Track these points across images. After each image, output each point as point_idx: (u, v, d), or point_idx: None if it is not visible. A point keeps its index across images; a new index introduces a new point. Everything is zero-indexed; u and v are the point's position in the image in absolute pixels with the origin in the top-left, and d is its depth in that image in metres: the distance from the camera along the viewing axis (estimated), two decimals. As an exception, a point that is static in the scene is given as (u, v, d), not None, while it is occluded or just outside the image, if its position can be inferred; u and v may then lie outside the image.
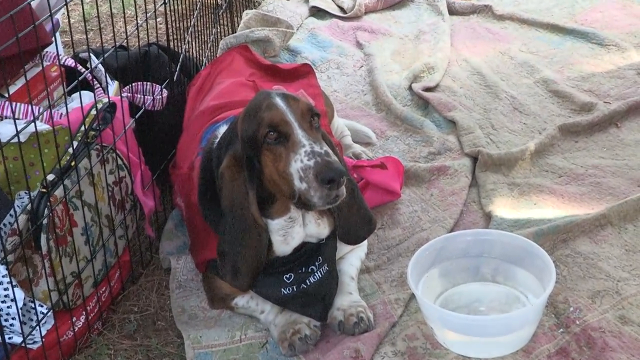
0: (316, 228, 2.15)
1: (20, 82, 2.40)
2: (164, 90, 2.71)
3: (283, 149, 1.98)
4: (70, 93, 2.43)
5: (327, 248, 2.22)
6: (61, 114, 2.36)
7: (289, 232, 2.11)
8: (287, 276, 2.16)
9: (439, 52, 3.80)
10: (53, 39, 2.41)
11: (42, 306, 2.08)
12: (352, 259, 2.38)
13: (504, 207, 2.68)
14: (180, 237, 2.67)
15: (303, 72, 2.94)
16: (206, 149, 2.27)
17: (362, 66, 3.84)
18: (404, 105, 3.44)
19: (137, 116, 2.51)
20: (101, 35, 2.28)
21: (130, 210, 2.48)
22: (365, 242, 2.43)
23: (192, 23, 3.23)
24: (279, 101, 2.02)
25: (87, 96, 2.46)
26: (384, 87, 3.53)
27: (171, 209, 2.81)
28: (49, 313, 2.10)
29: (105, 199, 2.32)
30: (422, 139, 3.17)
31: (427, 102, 3.42)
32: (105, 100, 2.28)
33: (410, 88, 3.54)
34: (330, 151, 1.95)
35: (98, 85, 2.59)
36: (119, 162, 2.39)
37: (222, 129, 2.28)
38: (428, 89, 3.50)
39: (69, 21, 2.08)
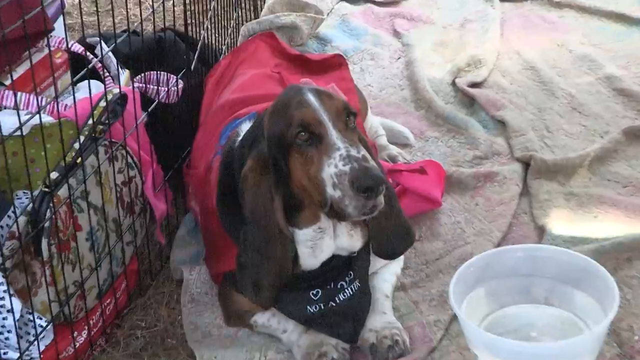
0: (348, 240, 2.16)
1: (21, 69, 2.43)
2: (180, 81, 2.73)
3: (315, 151, 1.98)
4: (76, 82, 2.46)
5: (359, 262, 2.22)
6: (66, 105, 2.38)
7: (318, 243, 2.12)
8: (314, 292, 2.17)
9: (487, 43, 3.79)
10: (57, 22, 2.44)
11: (40, 319, 2.10)
12: (386, 274, 2.38)
13: (559, 220, 2.67)
14: (194, 245, 2.69)
15: (335, 64, 2.96)
16: (226, 148, 2.28)
17: (399, 58, 3.84)
18: (446, 103, 3.43)
19: (150, 109, 2.53)
20: (113, 18, 2.30)
21: (139, 214, 2.50)
22: (401, 257, 2.43)
23: (211, 6, 3.25)
24: (311, 98, 2.02)
25: (94, 86, 2.48)
26: (424, 81, 3.53)
27: (184, 213, 2.83)
28: (49, 327, 2.12)
29: (113, 200, 2.34)
30: (466, 141, 3.17)
31: (472, 100, 3.41)
32: (116, 90, 2.30)
33: (453, 83, 3.54)
34: (368, 156, 1.95)
35: (107, 74, 2.62)
36: (129, 160, 2.41)
37: (245, 126, 2.30)
38: (474, 85, 3.49)
39: (79, 1, 2.11)
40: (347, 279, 2.19)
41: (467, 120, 3.25)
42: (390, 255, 2.27)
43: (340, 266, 2.18)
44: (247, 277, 2.11)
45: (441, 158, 3.08)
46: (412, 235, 2.27)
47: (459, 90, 3.49)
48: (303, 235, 2.11)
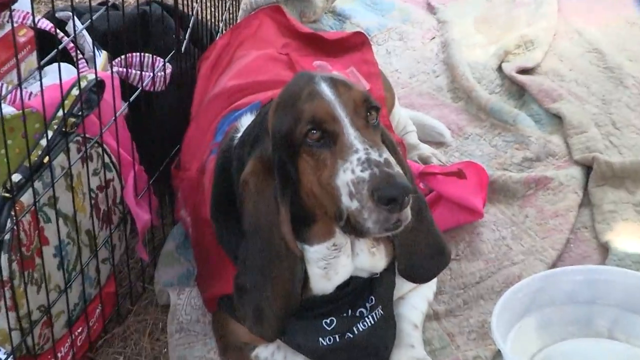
0: (369, 260, 2.17)
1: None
2: (168, 64, 2.75)
3: (328, 153, 1.99)
4: (43, 66, 2.48)
5: (383, 285, 2.23)
6: (31, 93, 2.40)
7: (332, 263, 2.13)
8: (327, 321, 2.18)
9: (541, 20, 3.80)
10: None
11: (-1, 350, 2.13)
12: (415, 300, 2.39)
13: (627, 236, 2.67)
14: (184, 262, 2.71)
15: (355, 44, 2.97)
16: (223, 146, 2.30)
17: (434, 37, 3.86)
18: (490, 93, 3.44)
19: (131, 99, 2.55)
20: (88, -10, 2.33)
21: (118, 225, 2.52)
22: (435, 279, 2.43)
23: (206, -25, 3.27)
24: (325, 88, 2.03)
25: (65, 70, 2.49)
26: (464, 66, 3.54)
27: (172, 225, 2.85)
28: None
29: (86, 208, 2.36)
30: (514, 139, 3.18)
31: (522, 89, 3.42)
32: (92, 76, 2.32)
33: (500, 69, 3.55)
34: (392, 160, 1.95)
35: (81, 55, 2.64)
36: (106, 159, 2.43)
37: (246, 120, 2.31)
38: (525, 71, 3.50)
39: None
40: (367, 305, 2.19)
41: (516, 114, 3.26)
42: (420, 278, 2.28)
43: (360, 289, 2.19)
44: (247, 303, 2.12)
45: (483, 159, 3.10)
46: (447, 253, 2.27)
47: (506, 77, 3.50)
48: (315, 253, 2.12)
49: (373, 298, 2.20)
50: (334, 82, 2.05)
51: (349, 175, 1.93)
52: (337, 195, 1.96)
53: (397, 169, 1.93)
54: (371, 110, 2.04)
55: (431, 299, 2.46)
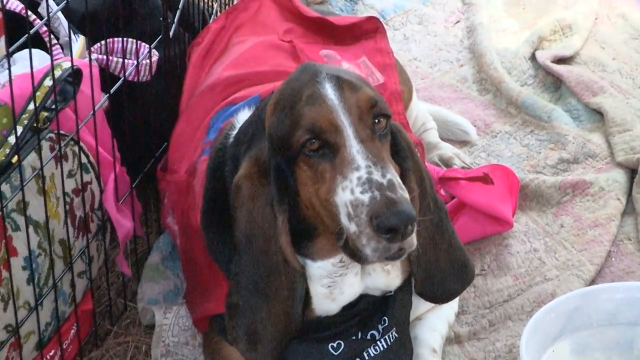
0: (384, 279, 2.18)
1: None
2: (154, 51, 2.76)
3: (328, 166, 2.00)
4: (12, 52, 2.49)
5: (397, 304, 2.24)
6: (-3, 83, 2.43)
7: (338, 282, 2.14)
8: (334, 345, 2.19)
9: (580, 3, 3.81)
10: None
11: (-40, 375, 2.14)
12: (434, 321, 2.41)
13: (676, 250, 2.68)
14: (170, 277, 2.73)
15: (367, 31, 2.98)
16: (217, 145, 2.31)
17: (458, 21, 3.88)
18: (522, 85, 3.46)
19: (112, 91, 2.57)
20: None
21: (96, 234, 2.53)
22: (456, 297, 2.44)
23: (198, -51, 3.29)
24: (329, 90, 2.03)
25: (38, 57, 2.51)
26: (492, 55, 3.56)
27: (157, 234, 2.87)
28: (-29, 386, 2.16)
29: (60, 215, 2.37)
30: (549, 138, 3.19)
31: (559, 81, 3.44)
32: (67, 64, 2.32)
33: (533, 57, 3.57)
34: (396, 181, 1.95)
35: (55, 41, 2.65)
36: (83, 159, 2.44)
37: (243, 115, 2.32)
38: (561, 60, 3.52)
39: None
40: (380, 326, 2.20)
41: (551, 110, 3.28)
42: (440, 298, 2.28)
43: (371, 309, 2.20)
44: (240, 324, 2.13)
45: (513, 161, 3.12)
46: (471, 269, 2.28)
47: (541, 67, 3.51)
48: (318, 270, 2.13)
49: (386, 319, 2.21)
50: (340, 83, 2.04)
51: (348, 195, 1.94)
52: (335, 214, 1.98)
53: (402, 192, 1.93)
54: (380, 118, 2.04)
55: (452, 320, 2.47)
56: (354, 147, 1.97)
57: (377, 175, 1.93)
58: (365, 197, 1.92)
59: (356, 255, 1.97)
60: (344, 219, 1.96)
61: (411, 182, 2.11)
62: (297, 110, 2.02)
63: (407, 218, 1.89)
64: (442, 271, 2.21)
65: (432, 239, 2.17)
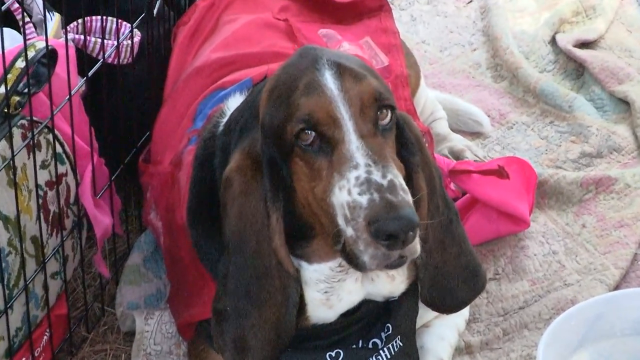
0: (388, 285, 2.19)
1: None
2: (136, 31, 2.77)
3: (325, 162, 2.00)
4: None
5: (402, 310, 2.25)
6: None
7: (336, 287, 2.15)
8: (333, 354, 2.20)
9: (604, -19, 3.83)
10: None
11: None
12: (443, 329, 2.43)
13: None
14: (152, 280, 2.75)
15: (371, 9, 2.99)
16: (205, 134, 2.32)
17: (471, 1, 3.89)
18: (541, 71, 3.48)
19: (90, 74, 2.57)
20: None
21: (71, 231, 2.54)
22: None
23: None
24: (328, 79, 2.03)
25: (8, 37, 2.51)
26: (509, 38, 3.57)
27: (139, 232, 2.89)
28: None
29: (32, 209, 2.38)
30: (570, 130, 3.21)
31: (581, 67, 3.46)
32: (41, 44, 2.33)
33: (553, 41, 3.58)
34: (398, 182, 1.94)
35: (28, 19, 2.65)
36: (58, 149, 2.45)
37: (234, 101, 2.33)
38: (584, 45, 3.54)
39: None
40: (383, 334, 2.22)
41: (573, 99, 3.29)
42: (448, 307, 2.27)
43: (374, 316, 2.22)
44: (228, 331, 2.13)
45: (531, 155, 3.13)
46: (482, 276, 2.27)
47: (561, 52, 3.53)
48: (314, 273, 2.14)
49: (390, 326, 2.22)
50: (342, 71, 2.04)
51: (345, 196, 1.95)
52: (332, 215, 1.99)
53: (403, 195, 1.92)
54: (383, 110, 2.04)
55: (462, 328, 2.49)
56: (353, 143, 1.97)
57: (377, 176, 1.93)
58: (364, 200, 1.92)
59: (353, 261, 1.97)
60: (341, 222, 1.97)
61: (419, 179, 2.11)
62: (293, 99, 2.03)
63: (407, 224, 1.89)
64: (451, 278, 2.21)
65: (441, 242, 2.18)
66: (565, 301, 2.57)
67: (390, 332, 2.23)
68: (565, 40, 3.53)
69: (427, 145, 2.27)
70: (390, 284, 2.19)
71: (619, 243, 2.76)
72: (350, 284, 2.15)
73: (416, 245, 1.95)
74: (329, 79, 2.02)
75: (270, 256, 2.08)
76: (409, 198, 1.93)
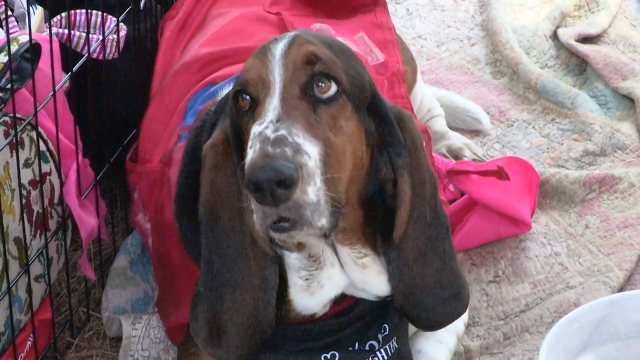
0: (360, 274, 2.17)
1: None
2: (122, 25, 2.78)
3: (251, 123, 1.99)
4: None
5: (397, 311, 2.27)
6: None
7: (315, 275, 2.15)
8: (328, 356, 2.20)
9: (607, -26, 3.85)
10: None
11: None
12: (441, 333, 2.43)
13: None
14: (140, 283, 2.77)
15: (365, 3, 3.01)
16: (195, 131, 2.33)
17: (469, -6, 3.91)
18: (542, 67, 3.50)
19: (74, 69, 2.59)
20: None
21: (56, 232, 2.55)
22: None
23: None
24: (278, 45, 2.04)
25: (-10, 31, 2.54)
26: (509, 33, 3.60)
27: (126, 233, 2.90)
28: None
29: (15, 209, 2.39)
30: (572, 127, 3.23)
31: (584, 62, 3.48)
32: (24, 38, 2.34)
33: (555, 36, 3.61)
34: (292, 139, 1.88)
35: (10, 12, 2.65)
36: (42, 147, 2.46)
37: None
38: (587, 39, 3.56)
39: None
40: (379, 335, 2.23)
41: (575, 95, 3.32)
42: (422, 322, 2.23)
43: (370, 316, 2.22)
44: (201, 314, 2.14)
45: (532, 153, 3.16)
46: (463, 301, 2.24)
47: (563, 47, 3.56)
48: (296, 260, 2.14)
49: (387, 327, 2.24)
50: (294, 40, 2.05)
51: (249, 154, 1.93)
52: None
53: (284, 149, 1.87)
54: (324, 79, 2.01)
55: (462, 332, 2.50)
56: (271, 104, 1.95)
57: (269, 130, 1.90)
58: (250, 153, 1.90)
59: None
60: None
61: (403, 182, 2.09)
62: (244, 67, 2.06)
63: (274, 174, 1.83)
64: (429, 294, 2.18)
65: (422, 254, 2.15)
66: (567, 304, 2.59)
67: (387, 332, 2.24)
68: (567, 35, 3.56)
69: (425, 145, 2.24)
70: (362, 273, 2.16)
71: (623, 244, 2.78)
72: (329, 271, 2.14)
73: (302, 210, 1.88)
74: (278, 46, 2.04)
75: (244, 234, 2.09)
76: (290, 153, 1.86)
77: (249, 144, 1.91)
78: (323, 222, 1.91)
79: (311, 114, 1.97)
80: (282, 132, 1.89)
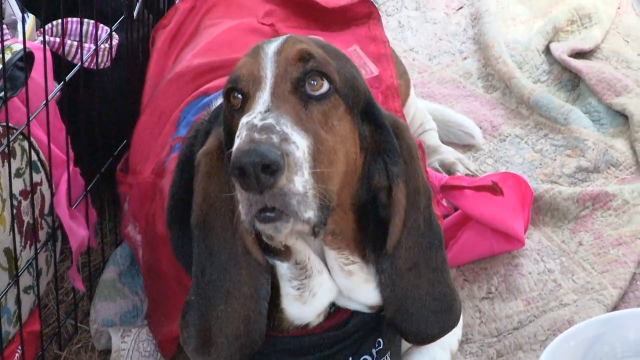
0: (346, 281, 2.17)
1: None
2: (115, 34, 2.79)
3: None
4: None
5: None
6: None
7: (306, 284, 2.15)
8: (321, 371, 2.23)
9: (600, -12, 3.87)
10: None
11: None
12: (434, 349, 2.44)
13: None
14: (128, 295, 2.77)
15: (359, 15, 3.03)
16: (189, 140, 2.34)
17: (461, 7, 3.93)
18: (535, 81, 3.52)
19: (67, 78, 2.59)
20: None
21: (45, 243, 2.56)
22: (460, 322, 2.47)
23: None
24: (272, 44, 2.06)
25: (-19, 39, 2.54)
26: (501, 46, 3.61)
27: (114, 245, 2.91)
28: None
29: (5, 220, 2.39)
30: (565, 143, 3.25)
31: (577, 77, 3.49)
32: (18, 47, 2.35)
33: (548, 51, 3.63)
34: (278, 127, 1.88)
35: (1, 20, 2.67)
36: (33, 157, 2.47)
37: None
38: (580, 54, 3.58)
39: None
40: (374, 350, 2.24)
41: (569, 111, 3.33)
42: (412, 335, 2.23)
43: (365, 330, 2.23)
44: (192, 322, 2.14)
45: (525, 169, 3.17)
46: (455, 315, 2.24)
47: (556, 61, 3.58)
48: (287, 270, 2.15)
49: (381, 341, 2.25)
50: (288, 39, 2.07)
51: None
52: None
53: (270, 135, 1.86)
54: (317, 77, 2.02)
55: (455, 349, 2.51)
56: (261, 98, 1.96)
57: (257, 118, 1.90)
58: (237, 141, 1.90)
59: None
60: None
61: (397, 191, 2.10)
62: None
63: (258, 158, 1.82)
64: (420, 306, 2.18)
65: (415, 264, 2.16)
66: (561, 322, 2.60)
67: (381, 347, 2.25)
68: (560, 50, 3.57)
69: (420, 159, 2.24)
70: (346, 279, 2.16)
71: (617, 262, 2.80)
72: (319, 279, 2.14)
73: (288, 199, 1.87)
74: (272, 45, 2.06)
75: (236, 243, 2.10)
76: (277, 140, 1.86)
77: (237, 134, 1.91)
78: (310, 214, 1.90)
79: (301, 108, 1.98)
80: (270, 120, 1.89)
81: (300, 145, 1.89)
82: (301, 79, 2.00)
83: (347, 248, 2.12)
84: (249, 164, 1.82)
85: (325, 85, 2.02)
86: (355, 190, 2.08)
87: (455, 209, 2.86)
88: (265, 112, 1.91)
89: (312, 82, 2.01)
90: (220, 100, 2.38)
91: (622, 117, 3.29)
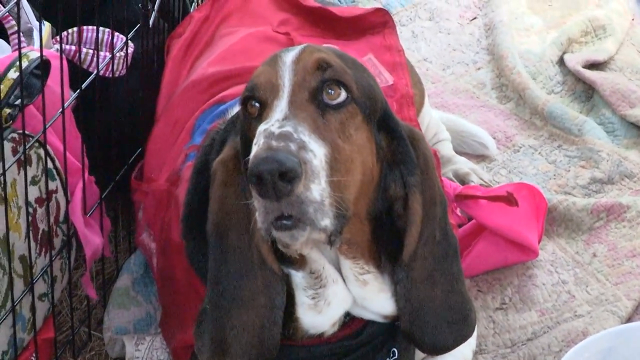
0: (360, 290, 2.17)
1: None
2: (130, 43, 2.80)
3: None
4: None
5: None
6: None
7: (320, 293, 2.16)
8: (336, 381, 2.23)
9: (613, 1, 3.89)
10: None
11: None
12: (448, 359, 2.45)
13: None
14: (142, 303, 2.78)
15: (374, 24, 3.04)
16: (205, 149, 2.34)
17: (475, 18, 3.94)
18: (549, 92, 3.52)
19: (83, 86, 2.60)
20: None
21: (60, 251, 2.57)
22: (474, 332, 2.48)
23: None
24: (290, 53, 2.06)
25: (-2, 47, 2.56)
26: (515, 57, 3.62)
27: (128, 253, 2.92)
28: None
29: (21, 227, 2.40)
30: (580, 155, 3.26)
31: (591, 89, 3.50)
32: (34, 54, 2.35)
33: (562, 62, 3.63)
34: (298, 136, 1.88)
35: (17, 28, 2.68)
36: (49, 164, 2.48)
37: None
38: (594, 66, 3.59)
39: None
40: (388, 359, 2.26)
41: (583, 122, 3.34)
42: (427, 345, 2.22)
43: (380, 339, 2.24)
44: (206, 331, 2.14)
45: (538, 180, 3.18)
46: (470, 325, 2.24)
47: (570, 72, 3.58)
48: (303, 279, 2.16)
49: (395, 351, 2.26)
50: (306, 48, 2.07)
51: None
52: None
53: (288, 143, 1.86)
54: (334, 86, 2.02)
55: (469, 358, 2.52)
56: (279, 106, 1.96)
57: (275, 126, 1.90)
58: (255, 148, 1.90)
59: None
60: None
61: (414, 201, 2.11)
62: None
63: (276, 165, 1.81)
64: (435, 316, 2.18)
65: (430, 275, 2.16)
66: (575, 333, 2.61)
67: (396, 356, 2.26)
68: (574, 61, 3.58)
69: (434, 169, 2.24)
70: (361, 288, 2.16)
71: (631, 273, 2.80)
72: (334, 288, 2.15)
73: (305, 207, 1.87)
74: (290, 54, 2.06)
75: (252, 252, 2.10)
76: (294, 148, 1.86)
77: (254, 141, 1.91)
78: (326, 222, 1.89)
79: (319, 117, 1.98)
80: (288, 128, 1.89)
81: (317, 153, 1.89)
82: (319, 87, 2.00)
83: (362, 257, 2.12)
84: (266, 171, 1.81)
85: (343, 95, 2.02)
86: (371, 199, 2.08)
87: (469, 219, 2.86)
88: (283, 120, 1.91)
89: (330, 91, 2.01)
90: (235, 109, 2.40)
91: (636, 128, 3.30)
